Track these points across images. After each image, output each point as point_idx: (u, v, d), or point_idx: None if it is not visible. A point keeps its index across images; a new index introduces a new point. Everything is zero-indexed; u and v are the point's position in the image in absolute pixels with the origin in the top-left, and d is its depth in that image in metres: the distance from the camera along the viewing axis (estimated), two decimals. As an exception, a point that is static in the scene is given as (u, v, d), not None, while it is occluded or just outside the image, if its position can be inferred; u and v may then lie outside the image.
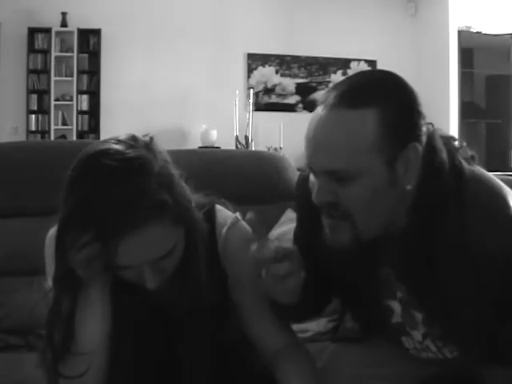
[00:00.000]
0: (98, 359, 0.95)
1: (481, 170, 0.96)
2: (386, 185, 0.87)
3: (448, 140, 0.96)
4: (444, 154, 0.92)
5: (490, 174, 0.96)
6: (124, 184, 0.83)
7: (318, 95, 7.13)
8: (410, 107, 0.88)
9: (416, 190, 0.90)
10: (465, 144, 0.98)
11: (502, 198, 0.90)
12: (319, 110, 0.88)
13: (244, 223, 1.07)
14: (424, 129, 0.90)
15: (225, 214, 1.07)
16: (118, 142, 0.88)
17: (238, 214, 1.08)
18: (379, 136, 0.85)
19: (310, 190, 0.93)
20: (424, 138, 0.89)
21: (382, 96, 0.87)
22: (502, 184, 0.93)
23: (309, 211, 0.98)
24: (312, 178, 0.93)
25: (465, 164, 0.94)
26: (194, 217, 0.96)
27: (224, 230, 1.04)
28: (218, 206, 1.08)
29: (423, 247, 0.91)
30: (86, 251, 0.85)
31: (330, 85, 0.95)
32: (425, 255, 0.91)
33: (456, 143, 0.97)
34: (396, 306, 1.02)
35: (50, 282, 1.01)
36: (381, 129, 0.85)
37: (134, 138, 0.90)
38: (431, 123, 0.94)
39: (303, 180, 1.02)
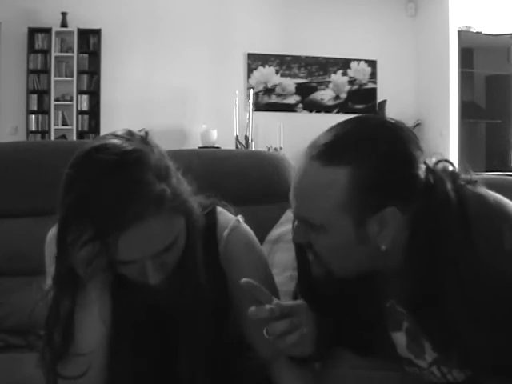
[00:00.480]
0: (97, 359, 0.95)
1: (486, 191, 0.93)
2: (355, 242, 0.87)
3: (450, 173, 0.92)
4: (450, 192, 0.88)
5: (496, 195, 0.93)
6: (121, 177, 0.83)
7: (318, 95, 7.14)
8: (391, 172, 0.84)
9: (411, 238, 0.88)
10: (467, 166, 0.95)
11: (510, 221, 0.88)
12: (302, 159, 0.90)
13: (246, 226, 1.07)
14: (419, 176, 0.86)
15: (226, 216, 1.07)
16: (115, 136, 0.89)
17: (239, 217, 1.08)
18: (348, 196, 0.84)
19: None
20: (417, 194, 0.86)
21: (360, 156, 0.84)
22: (509, 203, 0.91)
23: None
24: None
25: (471, 192, 0.91)
26: (193, 209, 0.96)
27: (225, 232, 1.04)
28: (219, 208, 1.07)
29: (425, 280, 0.89)
30: (87, 249, 0.85)
31: (330, 85, 0.96)
32: (428, 287, 0.90)
33: (457, 172, 0.93)
34: (401, 338, 1.01)
35: (49, 282, 1.01)
36: (351, 190, 0.84)
37: (129, 133, 0.91)
38: (431, 163, 0.90)
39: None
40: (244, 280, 0.92)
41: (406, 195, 0.86)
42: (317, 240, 0.90)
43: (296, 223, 0.93)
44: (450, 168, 0.93)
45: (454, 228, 0.87)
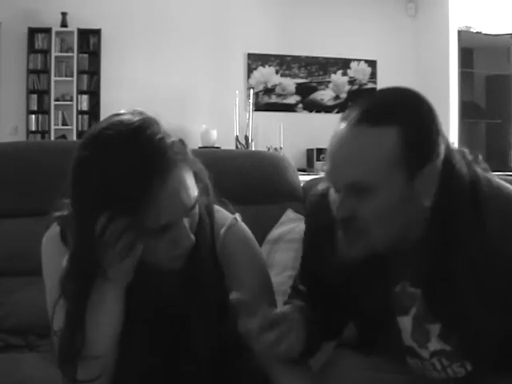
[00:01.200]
0: (109, 362, 0.95)
1: (497, 179, 0.98)
2: (404, 200, 0.90)
3: (462, 153, 0.98)
4: (463, 168, 0.94)
5: (507, 184, 0.98)
6: (137, 144, 0.85)
7: (318, 95, 7.14)
8: (430, 127, 0.91)
9: (432, 203, 0.92)
10: (480, 157, 1.00)
11: None
12: (341, 127, 0.91)
13: (243, 224, 1.08)
14: (442, 146, 0.92)
15: (223, 214, 1.07)
16: (117, 115, 0.91)
17: (237, 215, 1.08)
18: (399, 153, 0.88)
19: (322, 209, 0.98)
20: (442, 155, 0.92)
21: (404, 116, 0.90)
22: None
23: (321, 229, 1.03)
24: (332, 194, 0.96)
25: (482, 174, 0.96)
26: (207, 182, 0.99)
27: (222, 230, 1.04)
28: (217, 207, 1.08)
29: (440, 258, 0.93)
30: (117, 230, 0.85)
31: (330, 85, 0.99)
32: (442, 266, 0.93)
33: (469, 155, 0.99)
34: (407, 323, 1.02)
35: (49, 284, 1.01)
36: (401, 147, 0.88)
37: (131, 109, 0.93)
38: (447, 139, 0.96)
39: (316, 201, 1.07)
40: (232, 296, 0.93)
41: (438, 152, 0.91)
42: (363, 207, 0.90)
43: (340, 195, 0.92)
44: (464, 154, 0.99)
45: (466, 209, 0.92)
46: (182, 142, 0.92)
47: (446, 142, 0.94)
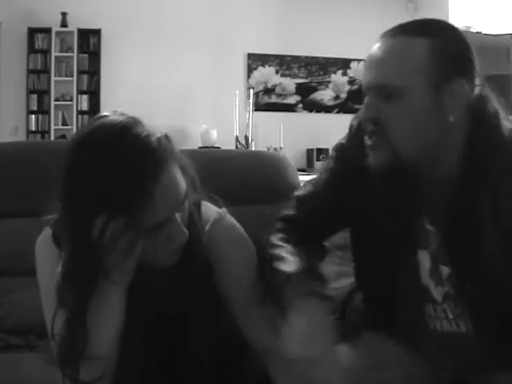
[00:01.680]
0: (110, 362, 0.94)
1: None
2: (428, 109, 0.95)
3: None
4: (497, 104, 1.01)
5: None
6: (126, 142, 0.86)
7: (318, 95, 7.14)
8: (460, 47, 0.97)
9: (469, 132, 0.97)
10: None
11: None
12: (378, 42, 0.99)
13: (229, 217, 1.08)
14: (475, 77, 0.97)
15: (209, 209, 1.07)
16: (100, 117, 0.91)
17: (223, 210, 1.08)
18: (428, 61, 0.94)
19: (348, 153, 1.05)
20: (474, 85, 0.97)
21: (437, 32, 0.97)
22: None
23: (348, 172, 1.09)
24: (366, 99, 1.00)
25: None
26: (193, 175, 0.99)
27: (208, 225, 1.04)
28: (204, 202, 1.07)
29: (465, 194, 0.96)
30: (116, 232, 0.85)
31: (330, 85, 1.02)
32: (464, 204, 0.96)
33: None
34: (425, 257, 1.04)
35: (44, 287, 1.00)
36: (431, 55, 0.94)
37: (113, 111, 0.93)
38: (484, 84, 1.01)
39: (341, 146, 1.13)
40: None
41: (470, 77, 0.97)
42: (390, 110, 0.95)
43: (368, 98, 0.98)
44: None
45: (505, 153, 0.96)
46: (167, 137, 0.92)
47: (484, 84, 1.00)
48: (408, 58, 0.94)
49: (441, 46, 0.94)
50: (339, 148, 1.15)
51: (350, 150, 1.10)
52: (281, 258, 1.06)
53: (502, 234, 0.93)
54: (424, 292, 1.05)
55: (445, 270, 1.01)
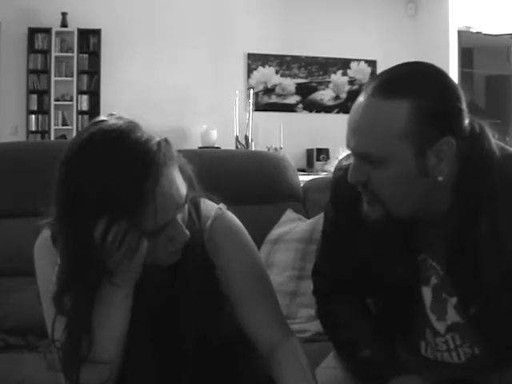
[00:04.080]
0: (116, 362, 0.94)
1: None
2: (415, 173, 0.91)
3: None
4: (493, 146, 0.97)
5: None
6: (124, 146, 0.85)
7: (318, 95, 7.14)
8: (446, 102, 0.91)
9: (459, 178, 0.94)
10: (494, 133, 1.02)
11: None
12: (360, 98, 0.94)
13: (229, 213, 1.08)
14: (464, 121, 0.93)
15: (208, 206, 1.07)
16: (96, 123, 0.90)
17: (221, 205, 1.08)
18: (411, 126, 0.89)
19: (347, 183, 0.99)
20: (464, 131, 0.92)
21: (419, 88, 0.90)
22: None
23: (346, 201, 1.05)
24: (351, 159, 0.98)
25: (506, 147, 0.99)
26: (191, 174, 0.99)
27: (209, 222, 1.04)
28: (202, 199, 1.07)
29: (464, 231, 0.94)
30: (118, 236, 0.85)
31: (330, 85, 1.00)
32: (464, 239, 0.95)
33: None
34: (428, 293, 1.03)
35: (43, 290, 0.99)
36: (413, 119, 0.89)
37: (109, 114, 0.92)
38: (480, 123, 0.98)
39: (340, 176, 1.07)
40: None
41: (458, 128, 0.92)
42: (376, 175, 0.92)
43: (354, 162, 0.96)
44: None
45: (496, 179, 0.93)
46: (166, 140, 0.91)
47: (473, 118, 0.96)
48: (389, 126, 0.89)
49: (425, 107, 0.89)
50: (334, 199, 1.13)
51: (344, 203, 1.07)
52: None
53: (503, 259, 0.92)
54: (427, 323, 1.05)
55: (452, 301, 1.01)
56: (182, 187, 0.91)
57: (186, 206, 0.94)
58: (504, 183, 0.93)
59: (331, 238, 1.13)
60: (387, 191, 0.93)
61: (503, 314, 0.95)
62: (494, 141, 0.98)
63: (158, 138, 0.89)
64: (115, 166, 0.84)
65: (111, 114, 0.92)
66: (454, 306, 1.01)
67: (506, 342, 0.98)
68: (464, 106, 0.93)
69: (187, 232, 0.92)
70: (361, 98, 0.93)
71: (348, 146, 0.96)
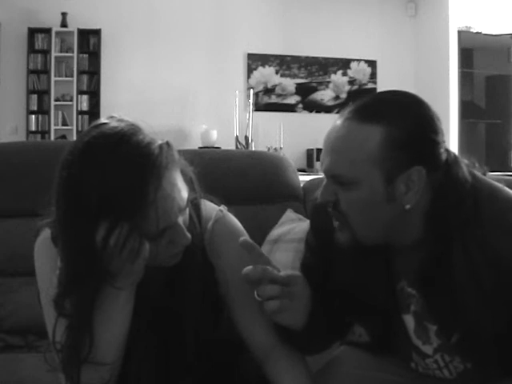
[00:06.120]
0: (117, 363, 0.94)
1: (496, 183, 0.99)
2: (383, 199, 0.91)
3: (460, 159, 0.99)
4: (464, 174, 0.95)
5: (506, 188, 0.98)
6: (126, 149, 0.85)
7: (318, 95, 7.14)
8: (420, 133, 0.91)
9: (432, 207, 0.93)
10: (476, 164, 1.01)
11: None
12: (337, 120, 0.94)
13: (229, 215, 1.08)
14: (441, 155, 0.92)
15: (209, 207, 1.07)
16: (97, 126, 0.90)
17: (222, 207, 1.08)
18: (382, 152, 0.89)
19: (324, 212, 0.99)
20: (440, 164, 0.92)
21: (394, 116, 0.91)
22: None
23: (322, 231, 1.05)
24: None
25: (480, 176, 0.97)
26: (192, 176, 0.99)
27: (210, 224, 1.04)
28: (203, 201, 1.07)
29: (437, 259, 0.93)
30: (120, 239, 0.85)
31: (330, 85, 1.00)
32: (439, 267, 0.93)
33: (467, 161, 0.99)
34: (410, 320, 1.03)
35: (44, 291, 0.99)
36: (384, 145, 0.89)
37: (109, 117, 0.92)
38: (454, 153, 0.97)
39: (318, 204, 1.05)
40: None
41: (430, 159, 0.92)
42: (345, 197, 0.93)
43: (325, 181, 0.96)
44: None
45: (467, 207, 0.92)
46: (168, 143, 0.91)
47: (451, 154, 0.95)
48: (360, 149, 0.90)
49: (397, 135, 0.89)
50: (314, 227, 1.13)
51: (323, 231, 1.06)
52: None
53: (480, 288, 0.91)
54: (414, 348, 1.05)
55: (433, 328, 1.00)
56: (184, 190, 0.91)
57: (188, 208, 0.94)
58: (474, 209, 0.92)
59: (311, 266, 1.12)
60: (354, 214, 0.93)
61: (485, 341, 0.94)
62: (467, 169, 0.96)
63: (159, 141, 0.89)
64: (117, 170, 0.83)
65: (112, 117, 0.91)
66: (435, 333, 1.00)
67: (495, 360, 0.97)
68: (440, 138, 0.92)
69: (189, 235, 0.92)
70: (338, 120, 0.94)
71: (321, 165, 0.96)
